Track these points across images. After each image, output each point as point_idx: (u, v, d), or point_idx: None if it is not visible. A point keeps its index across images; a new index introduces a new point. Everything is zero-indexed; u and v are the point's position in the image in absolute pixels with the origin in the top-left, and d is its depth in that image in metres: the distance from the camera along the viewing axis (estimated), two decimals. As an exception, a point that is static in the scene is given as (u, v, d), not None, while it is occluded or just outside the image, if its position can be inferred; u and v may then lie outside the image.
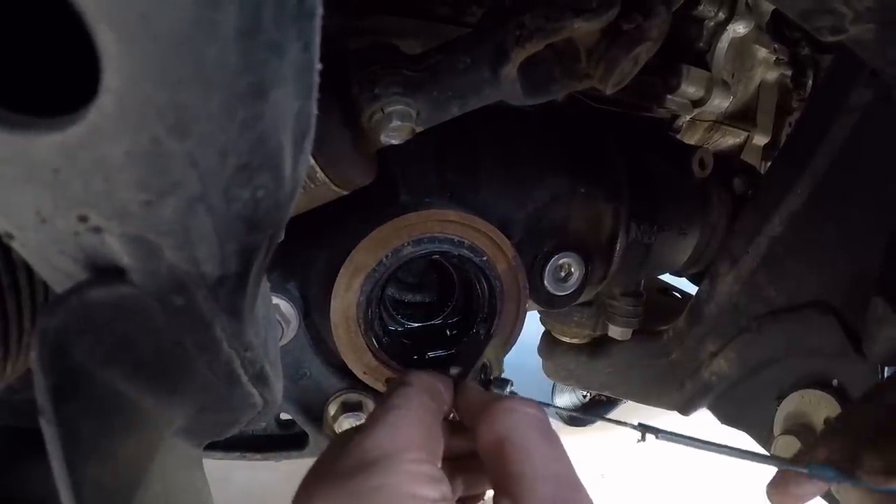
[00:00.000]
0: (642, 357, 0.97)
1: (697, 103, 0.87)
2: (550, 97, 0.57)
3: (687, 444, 0.51)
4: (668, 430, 0.50)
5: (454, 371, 0.55)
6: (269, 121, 0.23)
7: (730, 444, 0.50)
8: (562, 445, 0.43)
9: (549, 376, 1.17)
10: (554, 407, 0.55)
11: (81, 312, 0.27)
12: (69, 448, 0.27)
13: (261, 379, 0.38)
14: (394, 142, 0.53)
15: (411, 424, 0.43)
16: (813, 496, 0.52)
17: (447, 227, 0.61)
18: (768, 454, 0.50)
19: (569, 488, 0.39)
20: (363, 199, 0.59)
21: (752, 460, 0.51)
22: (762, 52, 1.06)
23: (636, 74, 0.57)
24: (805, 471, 0.49)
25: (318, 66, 0.23)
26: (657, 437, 0.51)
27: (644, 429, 0.51)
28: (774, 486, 0.53)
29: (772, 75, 1.11)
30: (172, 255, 0.27)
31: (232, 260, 0.29)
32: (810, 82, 1.08)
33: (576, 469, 0.42)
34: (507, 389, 0.56)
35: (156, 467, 0.36)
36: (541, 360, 1.16)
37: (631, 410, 0.55)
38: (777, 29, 1.06)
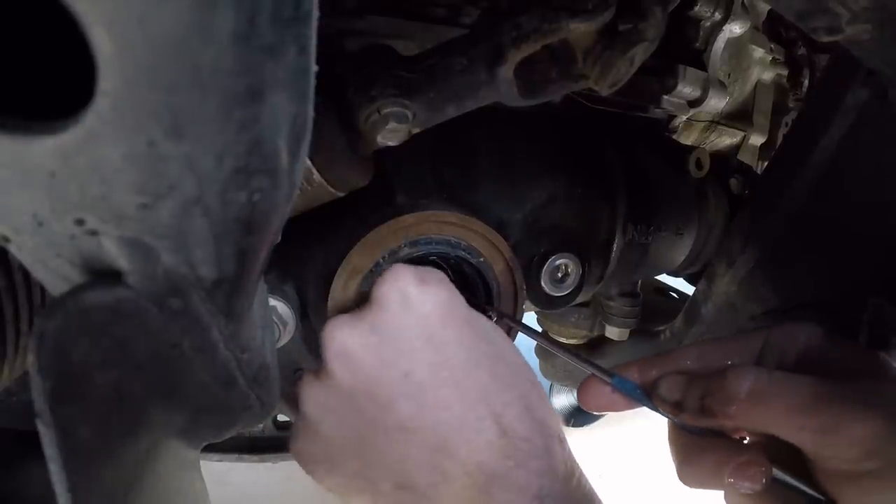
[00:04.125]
0: (640, 357, 0.97)
1: (694, 103, 0.88)
2: (547, 98, 0.57)
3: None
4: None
5: None
6: (265, 123, 0.23)
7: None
8: None
9: (546, 377, 1.18)
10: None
11: (79, 315, 0.27)
12: (66, 450, 0.27)
13: (258, 381, 0.38)
14: (390, 143, 0.53)
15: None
16: (613, 409, 0.53)
17: (444, 228, 0.61)
18: (589, 360, 0.54)
19: None
20: (360, 200, 0.59)
21: (569, 358, 0.56)
22: (758, 52, 1.06)
23: (632, 75, 0.57)
24: (609, 381, 0.51)
25: (315, 68, 0.23)
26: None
27: (499, 313, 0.63)
28: (582, 386, 0.54)
29: (768, 75, 1.11)
30: (169, 257, 0.27)
31: (229, 262, 0.29)
32: (807, 82, 1.08)
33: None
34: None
35: (153, 469, 0.36)
36: (538, 360, 1.17)
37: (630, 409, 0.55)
38: (773, 29, 1.07)
